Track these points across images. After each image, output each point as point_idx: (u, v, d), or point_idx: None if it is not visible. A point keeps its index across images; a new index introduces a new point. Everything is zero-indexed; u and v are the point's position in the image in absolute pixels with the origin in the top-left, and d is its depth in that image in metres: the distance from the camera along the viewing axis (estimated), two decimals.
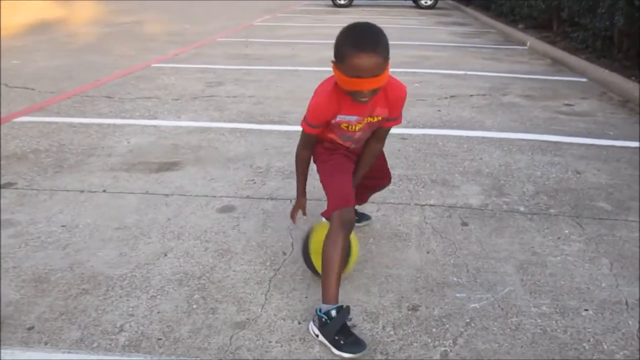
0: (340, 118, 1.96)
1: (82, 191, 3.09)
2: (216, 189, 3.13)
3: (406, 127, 4.23)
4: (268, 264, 2.37)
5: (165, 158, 3.60)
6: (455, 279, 2.26)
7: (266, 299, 2.12)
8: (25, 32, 9.55)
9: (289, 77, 6.00)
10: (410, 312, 2.05)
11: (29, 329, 1.97)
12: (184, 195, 3.04)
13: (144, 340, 1.90)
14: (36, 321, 2.00)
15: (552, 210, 2.88)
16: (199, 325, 1.98)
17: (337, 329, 1.83)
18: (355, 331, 1.92)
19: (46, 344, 1.89)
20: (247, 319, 2.01)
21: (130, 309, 2.07)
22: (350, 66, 1.75)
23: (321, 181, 2.12)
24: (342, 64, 1.79)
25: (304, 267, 2.32)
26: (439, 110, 4.77)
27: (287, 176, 3.28)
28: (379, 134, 2.14)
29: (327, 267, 1.91)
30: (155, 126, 4.25)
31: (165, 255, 2.44)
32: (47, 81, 5.76)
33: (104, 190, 3.10)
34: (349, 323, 1.93)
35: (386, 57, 1.78)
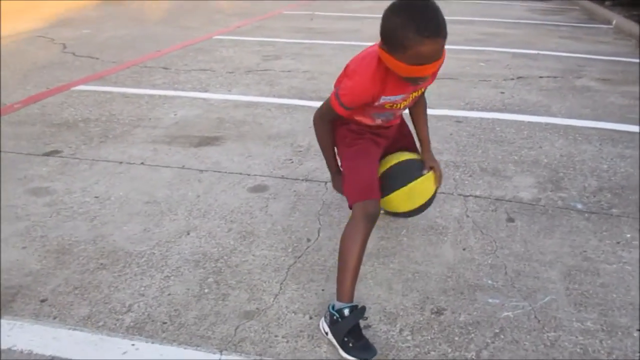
0: (384, 100, 1.78)
1: (121, 162, 3.09)
2: (252, 166, 3.03)
3: (463, 108, 3.95)
4: (290, 250, 2.25)
5: (208, 132, 3.54)
6: (490, 281, 2.05)
7: (281, 289, 2.01)
8: (102, 3, 9.82)
9: (350, 52, 5.76)
10: (433, 316, 1.87)
11: (42, 301, 1.96)
12: (219, 172, 2.97)
13: (149, 323, 1.84)
14: (50, 294, 1.99)
15: (614, 210, 2.57)
16: (207, 312, 1.89)
17: (348, 329, 1.68)
18: (369, 332, 1.77)
19: (55, 318, 1.87)
20: (257, 308, 1.91)
21: (142, 289, 2.02)
22: (414, 55, 1.55)
23: (342, 167, 1.96)
24: (401, 53, 1.57)
25: (325, 257, 2.19)
26: (502, 93, 4.42)
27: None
28: (420, 97, 2.00)
29: (344, 261, 1.76)
30: (204, 99, 4.21)
31: (188, 234, 2.37)
32: (112, 51, 5.86)
33: (142, 163, 3.08)
34: (363, 322, 1.78)
35: (446, 37, 1.59)
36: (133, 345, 1.75)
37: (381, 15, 1.62)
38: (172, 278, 2.08)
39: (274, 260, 2.18)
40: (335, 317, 1.72)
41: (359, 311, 1.73)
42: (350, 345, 1.67)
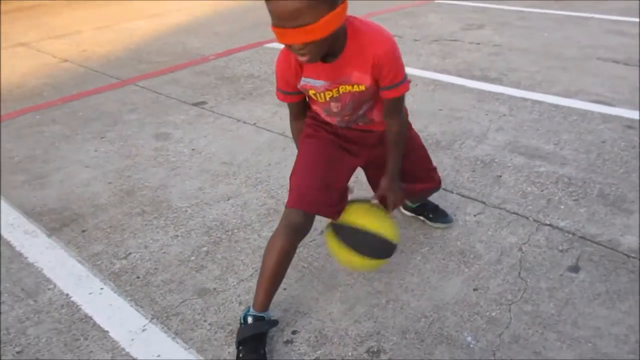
0: (304, 82, 1.51)
1: (238, 120, 3.29)
2: None
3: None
4: None
5: None
6: (469, 339, 1.62)
7: (251, 275, 1.94)
8: None
9: (570, 26, 4.87)
10: (365, 355, 1.58)
11: (83, 231, 2.30)
12: None
13: (127, 273, 2.01)
14: (91, 227, 2.32)
15: None
16: (175, 278, 1.97)
17: (244, 337, 1.57)
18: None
19: (77, 248, 2.18)
20: (214, 289, 1.90)
21: (150, 242, 2.19)
22: (269, 11, 1.30)
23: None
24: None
25: (316, 256, 2.02)
26: None
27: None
28: (385, 107, 1.58)
29: (261, 270, 1.61)
30: None
31: (228, 200, 2.45)
32: None
33: (254, 124, 3.23)
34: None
35: (320, 0, 1.24)
36: (102, 289, 1.94)
37: None
38: (179, 238, 2.20)
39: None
40: (240, 322, 1.61)
41: (263, 323, 1.59)
42: (240, 355, 1.55)
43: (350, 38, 1.41)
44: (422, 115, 3.17)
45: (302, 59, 1.35)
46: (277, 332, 1.68)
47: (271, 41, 4.90)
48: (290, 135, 1.80)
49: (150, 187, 2.60)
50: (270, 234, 2.04)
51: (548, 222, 2.12)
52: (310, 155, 1.65)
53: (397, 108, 1.57)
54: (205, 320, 1.76)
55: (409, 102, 3.40)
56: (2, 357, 1.68)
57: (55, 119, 3.50)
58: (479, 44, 4.51)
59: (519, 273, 1.87)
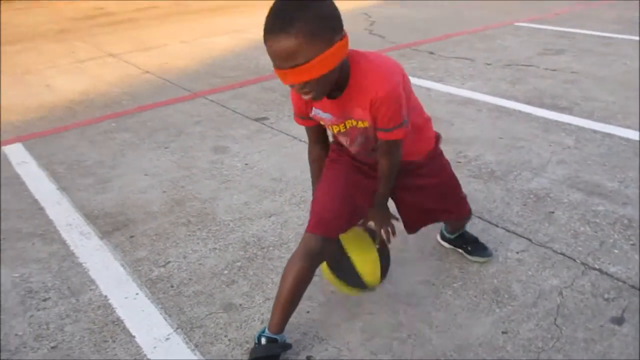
0: (314, 112, 1.53)
1: (294, 137, 3.34)
2: None
3: None
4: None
5: None
6: None
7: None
8: None
9: None
10: None
11: (131, 237, 2.42)
12: None
13: (163, 281, 2.09)
14: (139, 234, 2.43)
15: None
16: (206, 291, 2.01)
17: (253, 358, 1.58)
18: None
19: (123, 252, 2.30)
20: (240, 305, 1.93)
21: (189, 252, 2.26)
22: (268, 54, 1.32)
23: None
24: None
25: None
26: None
27: (476, 175, 2.69)
28: (379, 146, 1.55)
29: (278, 292, 1.63)
30: (427, 89, 4.05)
31: (270, 217, 2.48)
32: (402, 31, 6.06)
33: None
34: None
35: (314, 38, 1.24)
36: (137, 294, 2.03)
37: None
38: (216, 251, 2.26)
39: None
40: (255, 342, 1.63)
41: (275, 345, 1.60)
42: None
43: (354, 74, 1.41)
44: (480, 142, 3.07)
45: (306, 97, 1.37)
46: (291, 355, 1.68)
47: None
48: None
49: (199, 198, 2.69)
50: None
51: (597, 267, 1.98)
52: (332, 181, 1.66)
53: (390, 150, 1.55)
54: (225, 336, 1.79)
55: (470, 127, 3.33)
56: (39, 351, 1.79)
57: (127, 127, 3.71)
58: (554, 70, 4.30)
59: (555, 319, 1.75)
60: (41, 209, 2.69)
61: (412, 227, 1.87)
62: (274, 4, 1.27)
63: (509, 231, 2.23)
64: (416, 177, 1.72)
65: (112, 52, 5.95)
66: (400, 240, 2.07)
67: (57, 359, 1.74)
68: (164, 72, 5.03)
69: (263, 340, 1.60)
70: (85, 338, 1.82)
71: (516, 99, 3.71)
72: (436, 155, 1.77)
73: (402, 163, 1.64)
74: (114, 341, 1.80)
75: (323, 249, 1.59)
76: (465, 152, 2.97)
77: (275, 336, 1.61)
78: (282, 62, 1.26)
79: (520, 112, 3.49)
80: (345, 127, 1.53)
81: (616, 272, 1.95)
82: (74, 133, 3.69)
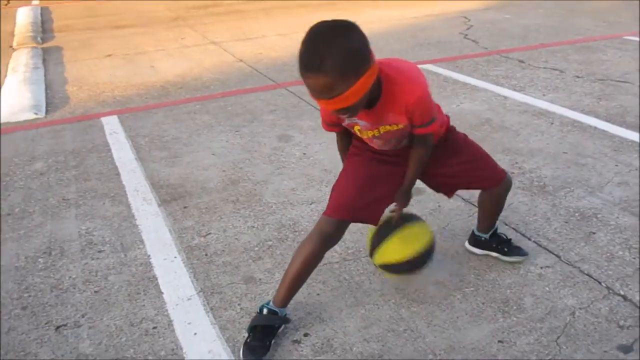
0: (349, 120, 1.62)
1: None
2: None
3: None
4: (351, 250, 2.21)
5: (459, 127, 3.41)
6: None
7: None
8: None
9: None
10: None
11: (185, 207, 2.65)
12: None
13: (199, 249, 2.29)
14: (192, 206, 2.66)
15: None
16: (233, 262, 2.19)
17: (253, 325, 1.72)
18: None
19: (174, 220, 2.53)
20: (260, 279, 2.08)
21: (230, 227, 2.45)
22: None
23: None
24: None
25: (363, 270, 2.07)
26: None
27: (525, 187, 2.63)
28: (416, 139, 1.68)
29: (287, 269, 1.76)
30: (504, 97, 3.95)
31: (310, 204, 2.61)
32: (497, 38, 5.87)
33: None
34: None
35: (345, 74, 1.35)
36: (175, 257, 2.25)
37: None
38: (253, 229, 2.42)
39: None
40: (257, 311, 1.76)
41: (275, 317, 1.73)
42: (247, 340, 1.70)
43: (385, 87, 1.51)
44: (541, 155, 2.97)
45: (344, 117, 1.52)
46: (291, 329, 1.80)
47: (430, 62, 4.94)
48: None
49: (252, 180, 2.88)
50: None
51: (622, 293, 1.89)
52: (351, 171, 1.80)
53: (426, 141, 1.69)
54: (239, 304, 1.95)
55: (536, 139, 3.25)
56: (84, 293, 2.06)
57: (209, 110, 4.01)
58: None
59: (558, 337, 1.71)
60: (117, 174, 3.02)
61: (449, 191, 1.96)
62: (306, 38, 1.39)
63: (540, 245, 2.18)
64: (440, 160, 1.80)
65: (215, 40, 6.36)
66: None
67: (96, 301, 2.00)
68: (256, 61, 5.32)
69: (265, 311, 1.74)
70: (123, 288, 2.07)
71: (596, 115, 3.53)
72: (449, 134, 1.85)
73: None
74: (145, 294, 2.03)
75: (336, 232, 1.72)
76: (522, 163, 2.90)
77: (276, 309, 1.74)
78: (320, 94, 1.40)
79: (595, 128, 3.31)
80: (379, 132, 1.63)
81: None
82: (163, 111, 4.05)
